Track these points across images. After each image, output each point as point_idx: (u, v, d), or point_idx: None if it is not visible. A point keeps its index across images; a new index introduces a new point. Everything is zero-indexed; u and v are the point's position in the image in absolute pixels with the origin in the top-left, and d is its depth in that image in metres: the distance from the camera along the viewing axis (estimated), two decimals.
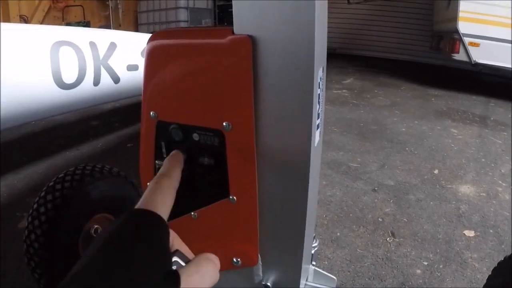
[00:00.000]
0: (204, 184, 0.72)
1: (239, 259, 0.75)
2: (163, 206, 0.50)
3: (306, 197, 0.70)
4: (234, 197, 0.69)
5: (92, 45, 2.41)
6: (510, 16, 5.02)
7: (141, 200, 0.51)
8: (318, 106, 0.66)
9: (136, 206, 0.48)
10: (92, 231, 1.31)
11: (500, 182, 2.84)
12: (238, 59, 0.63)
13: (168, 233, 0.45)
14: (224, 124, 0.65)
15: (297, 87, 0.62)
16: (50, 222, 1.21)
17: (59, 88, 2.22)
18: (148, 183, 0.81)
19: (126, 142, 3.28)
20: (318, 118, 0.69)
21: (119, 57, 2.63)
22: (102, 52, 2.48)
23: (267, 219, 0.73)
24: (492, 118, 4.60)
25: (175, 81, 0.69)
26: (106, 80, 2.55)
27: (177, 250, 0.47)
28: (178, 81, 0.69)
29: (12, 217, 2.07)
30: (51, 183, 1.29)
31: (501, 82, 6.57)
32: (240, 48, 0.62)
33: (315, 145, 0.67)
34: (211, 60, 0.65)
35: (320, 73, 0.64)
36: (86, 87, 2.40)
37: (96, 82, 2.48)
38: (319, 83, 0.64)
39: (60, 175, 1.31)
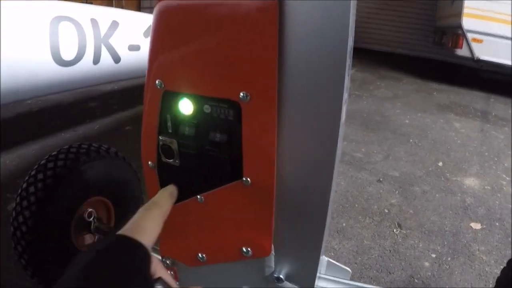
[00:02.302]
0: (214, 163, 0.64)
1: (249, 249, 0.68)
2: (150, 234, 0.49)
3: (331, 181, 0.62)
4: (248, 179, 0.62)
5: (94, 22, 2.32)
6: None
7: (128, 224, 0.49)
8: (347, 79, 0.58)
9: (122, 230, 0.47)
10: (86, 215, 1.21)
11: (504, 176, 2.81)
12: (263, 24, 0.55)
13: (150, 262, 0.43)
14: (241, 94, 0.58)
15: (328, 58, 0.54)
16: (40, 203, 1.11)
17: (57, 65, 2.13)
18: (149, 163, 0.75)
19: (124, 125, 3.20)
20: (346, 92, 0.62)
21: (120, 36, 2.54)
22: (103, 30, 2.39)
23: (284, 205, 0.66)
24: (493, 114, 4.56)
25: (187, 46, 0.61)
26: (106, 59, 2.46)
27: (159, 278, 0.44)
28: (190, 46, 0.61)
29: (1, 199, 2.00)
30: (43, 161, 1.19)
31: (500, 79, 6.55)
32: (266, 12, 0.54)
33: (342, 122, 0.60)
34: (232, 23, 0.56)
35: (351, 43, 0.57)
36: (85, 65, 2.31)
37: (96, 61, 2.39)
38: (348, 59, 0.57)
39: (53, 153, 1.22)
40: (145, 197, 1.43)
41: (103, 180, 1.27)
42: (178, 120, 0.66)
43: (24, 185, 1.14)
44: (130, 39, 2.63)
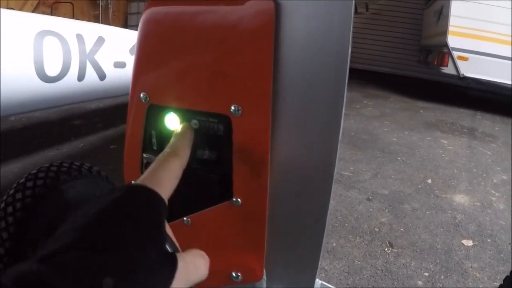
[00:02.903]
0: (202, 183, 0.59)
1: (239, 274, 0.63)
2: (169, 187, 0.44)
3: (327, 202, 0.58)
4: (239, 200, 0.57)
5: (79, 37, 2.28)
6: (499, 32, 5.07)
7: (146, 173, 0.44)
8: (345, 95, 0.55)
9: (138, 180, 0.42)
10: None
11: (493, 191, 2.80)
12: (257, 29, 0.51)
13: (166, 216, 0.39)
14: (232, 108, 0.53)
15: (328, 69, 0.51)
16: (18, 224, 1.06)
17: (41, 81, 2.08)
18: (132, 182, 0.70)
19: (108, 144, 3.14)
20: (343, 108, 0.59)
21: (106, 53, 2.50)
22: (89, 46, 2.36)
23: (278, 227, 0.60)
24: (480, 130, 4.60)
25: (174, 56, 0.57)
26: (91, 75, 2.41)
27: (168, 236, 0.39)
28: (178, 56, 0.57)
29: None
30: (22, 180, 1.13)
31: (486, 96, 6.64)
32: (261, 16, 0.50)
33: (340, 139, 0.57)
34: (222, 29, 0.53)
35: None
36: (70, 82, 2.26)
37: (81, 77, 2.34)
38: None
39: (33, 171, 1.16)
40: None
41: (84, 199, 1.20)
42: (163, 136, 0.62)
43: (2, 205, 1.08)
44: (116, 56, 2.60)
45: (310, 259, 0.63)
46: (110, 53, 2.53)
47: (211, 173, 0.58)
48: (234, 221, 0.60)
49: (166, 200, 0.41)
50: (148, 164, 0.63)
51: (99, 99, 2.98)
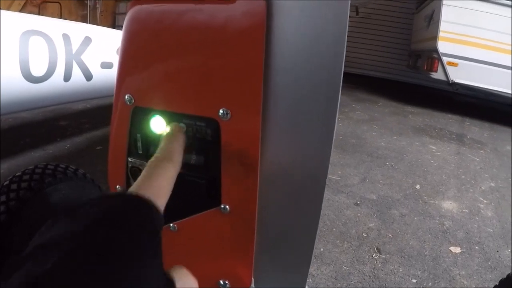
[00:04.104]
0: (189, 189, 0.57)
1: (227, 282, 0.61)
2: (164, 196, 0.42)
3: (319, 209, 0.56)
4: (227, 206, 0.56)
5: (65, 37, 2.24)
6: (489, 38, 5.12)
7: (139, 181, 0.41)
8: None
9: (135, 188, 0.40)
10: None
11: (481, 199, 2.81)
12: (247, 30, 0.49)
13: (161, 229, 0.37)
14: (220, 111, 0.52)
15: (322, 72, 0.49)
16: (1, 227, 1.02)
17: (26, 81, 2.03)
18: (117, 187, 0.67)
19: (95, 145, 3.09)
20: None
21: (93, 53, 2.46)
22: (75, 46, 2.32)
23: (267, 234, 0.59)
24: (468, 136, 4.63)
25: (160, 56, 0.55)
26: (77, 76, 2.37)
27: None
28: (164, 57, 0.55)
29: None
30: (6, 182, 1.09)
31: (475, 103, 6.70)
32: (252, 16, 0.48)
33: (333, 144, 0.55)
34: (211, 29, 0.50)
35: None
36: (56, 82, 2.22)
37: (67, 78, 2.30)
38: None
39: (17, 174, 1.12)
40: None
41: (70, 203, 1.16)
42: (149, 140, 0.60)
43: None
44: (103, 56, 2.56)
45: (299, 267, 0.62)
46: (97, 54, 2.49)
47: (199, 179, 0.57)
48: (222, 228, 0.58)
49: (162, 210, 0.39)
50: (133, 168, 0.61)
51: (86, 99, 2.94)
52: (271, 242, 0.61)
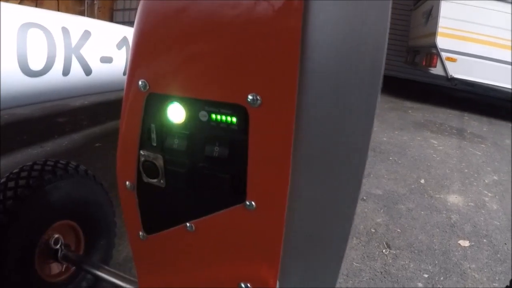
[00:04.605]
0: (210, 184, 0.53)
1: (248, 284, 0.57)
2: None
3: (354, 208, 0.51)
4: (253, 203, 0.51)
5: (65, 31, 2.18)
6: (487, 34, 5.10)
7: None
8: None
9: None
10: (52, 242, 1.06)
11: (485, 192, 2.79)
12: (283, 9, 0.44)
13: None
14: (249, 97, 0.46)
15: (361, 69, 0.45)
16: None
17: (24, 75, 1.97)
18: (127, 183, 0.62)
19: (94, 142, 3.03)
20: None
21: (92, 47, 2.40)
22: (74, 39, 2.26)
23: (295, 234, 0.54)
24: (468, 131, 4.61)
25: (180, 37, 0.50)
26: (76, 70, 2.31)
27: None
28: (185, 38, 0.50)
29: None
30: (3, 180, 1.04)
31: (473, 98, 6.70)
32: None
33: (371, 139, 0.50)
34: (239, 12, 0.46)
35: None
36: (54, 77, 2.16)
37: (66, 72, 2.24)
38: None
39: (15, 171, 1.06)
40: (119, 221, 1.29)
41: (71, 202, 1.12)
42: (165, 131, 0.55)
43: None
44: (103, 51, 2.50)
45: (329, 271, 0.57)
46: (97, 48, 2.44)
47: (221, 173, 0.51)
48: (246, 227, 0.53)
49: None
50: (146, 163, 0.56)
51: (85, 95, 2.88)
52: (300, 241, 0.56)
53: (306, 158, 0.49)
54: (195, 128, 0.53)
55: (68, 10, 8.33)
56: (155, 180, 0.57)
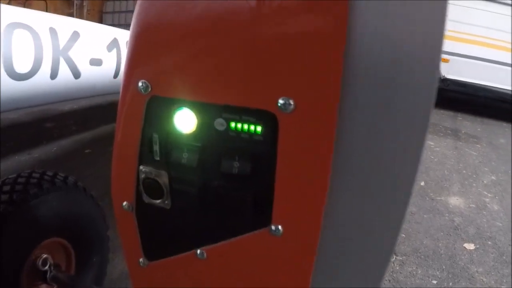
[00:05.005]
0: (226, 205, 0.44)
1: None
2: None
3: (398, 231, 0.43)
4: (280, 227, 0.42)
5: (52, 32, 2.09)
6: (479, 35, 5.10)
7: None
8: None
9: None
10: (40, 262, 0.95)
11: (485, 193, 2.76)
12: (326, 10, 0.36)
13: None
14: (280, 101, 0.38)
15: (413, 78, 0.38)
16: None
17: (10, 78, 1.87)
18: (124, 203, 0.53)
19: (83, 148, 2.93)
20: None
21: (81, 49, 2.31)
22: (63, 41, 2.16)
23: (327, 264, 0.45)
24: (463, 131, 4.60)
25: (192, 30, 0.42)
26: (65, 73, 2.21)
27: None
28: (198, 30, 0.41)
29: None
30: None
31: (466, 98, 6.71)
32: None
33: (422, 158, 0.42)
34: (271, 4, 0.38)
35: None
36: (42, 80, 2.06)
37: (54, 75, 2.14)
38: None
39: None
40: (113, 234, 1.19)
41: (59, 217, 1.01)
42: (171, 142, 0.46)
43: None
44: (92, 53, 2.41)
45: None
46: (86, 50, 2.35)
47: (242, 192, 0.43)
48: (269, 255, 0.45)
49: None
50: (147, 180, 0.47)
51: (74, 99, 2.78)
52: (333, 272, 0.47)
53: (348, 174, 0.41)
54: (209, 139, 0.44)
55: (56, 11, 8.19)
56: (158, 201, 0.49)
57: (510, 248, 2.02)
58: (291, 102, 0.38)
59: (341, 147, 0.39)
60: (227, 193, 0.43)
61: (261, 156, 0.42)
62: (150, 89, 0.45)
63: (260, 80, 0.39)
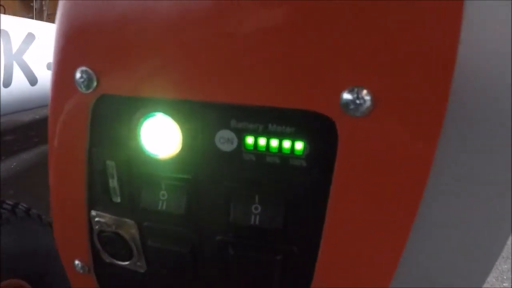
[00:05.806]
0: (240, 271, 0.29)
1: None
2: None
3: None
4: None
5: (4, 34, 1.89)
6: None
7: None
8: None
9: None
10: None
11: None
12: None
13: None
14: (344, 97, 0.20)
15: None
16: None
17: None
18: (76, 262, 0.35)
19: (47, 162, 2.72)
20: None
21: (37, 52, 2.13)
22: (16, 44, 1.97)
23: None
24: None
25: None
26: (19, 80, 2.04)
27: None
28: None
29: None
30: None
31: None
32: None
33: None
34: None
35: None
36: None
37: (7, 83, 1.96)
38: None
39: None
40: None
41: (20, 254, 0.85)
42: (138, 173, 0.29)
43: None
44: (49, 56, 2.22)
45: None
46: (42, 53, 2.17)
47: (265, 251, 0.27)
48: None
49: None
50: (103, 234, 0.31)
51: (32, 108, 2.58)
52: None
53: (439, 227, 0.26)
54: (207, 166, 0.27)
55: (15, 15, 7.95)
56: (126, 263, 0.32)
57: (508, 242, 1.96)
58: (366, 96, 0.21)
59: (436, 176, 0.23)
60: (241, 255, 0.27)
61: (301, 194, 0.25)
62: (95, 84, 0.27)
63: (309, 61, 0.22)
